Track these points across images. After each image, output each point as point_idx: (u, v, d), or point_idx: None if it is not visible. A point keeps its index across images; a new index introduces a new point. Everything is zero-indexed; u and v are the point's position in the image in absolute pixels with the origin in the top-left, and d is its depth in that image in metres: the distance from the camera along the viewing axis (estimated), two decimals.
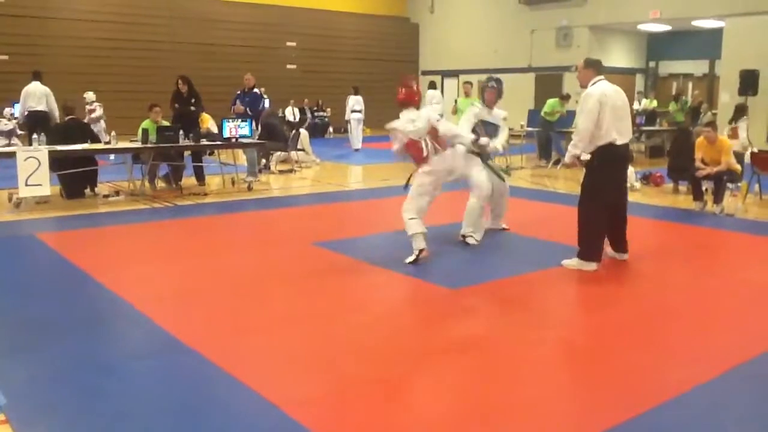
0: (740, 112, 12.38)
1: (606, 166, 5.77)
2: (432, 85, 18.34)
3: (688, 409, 3.34)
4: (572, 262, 5.91)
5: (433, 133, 6.05)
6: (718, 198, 8.66)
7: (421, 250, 6.00)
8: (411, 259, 5.99)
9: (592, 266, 5.84)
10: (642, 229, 7.09)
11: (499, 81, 7.25)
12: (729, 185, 8.95)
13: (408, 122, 6.02)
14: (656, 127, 15.89)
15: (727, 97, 16.88)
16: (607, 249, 6.16)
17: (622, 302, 5.19)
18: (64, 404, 3.35)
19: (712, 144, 8.65)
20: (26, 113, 12.26)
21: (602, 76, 5.82)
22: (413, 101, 6.22)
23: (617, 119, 5.68)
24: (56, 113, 12.18)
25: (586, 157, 5.84)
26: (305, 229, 7.74)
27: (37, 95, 12.23)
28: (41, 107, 12.09)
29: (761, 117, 15.95)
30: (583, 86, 5.93)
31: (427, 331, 4.44)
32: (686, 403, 3.39)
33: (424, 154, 6.00)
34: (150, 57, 19.67)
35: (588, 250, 5.85)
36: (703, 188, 8.94)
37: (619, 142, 5.72)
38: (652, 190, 10.69)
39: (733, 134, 11.29)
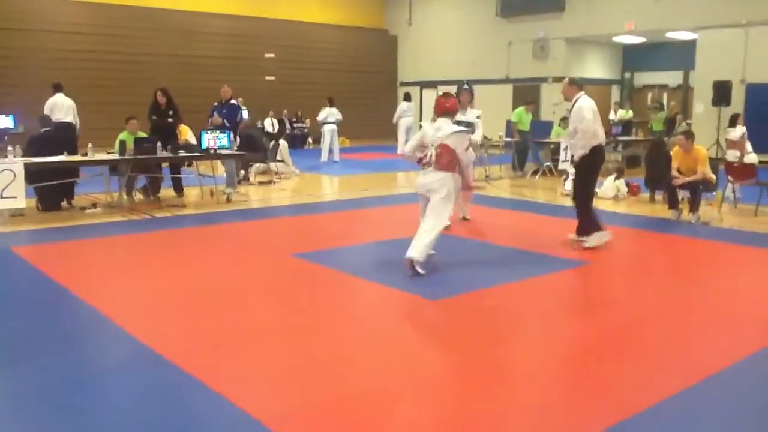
0: (733, 122, 11.83)
1: (596, 162, 7.14)
2: (407, 97, 18.60)
3: (666, 417, 3.36)
4: (591, 242, 7.03)
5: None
6: (693, 207, 8.77)
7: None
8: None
9: (606, 235, 7.09)
10: (619, 238, 7.17)
11: (470, 85, 8.58)
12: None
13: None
14: (632, 138, 16.09)
15: (701, 108, 17.15)
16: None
17: (599, 311, 5.23)
18: (41, 421, 3.30)
19: (688, 153, 8.75)
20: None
21: (584, 92, 7.14)
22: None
23: (599, 125, 7.09)
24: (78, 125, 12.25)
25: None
26: (285, 241, 7.72)
27: (65, 107, 12.29)
28: (69, 118, 12.08)
29: None
30: (568, 99, 7.23)
31: (409, 343, 4.45)
32: (664, 411, 3.41)
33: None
34: (128, 69, 19.53)
35: (593, 226, 7.11)
36: (679, 197, 9.06)
37: (603, 143, 7.18)
38: (629, 200, 10.80)
39: (732, 145, 11.03)
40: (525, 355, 4.28)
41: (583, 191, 7.28)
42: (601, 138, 7.11)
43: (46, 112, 12.04)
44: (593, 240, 7.06)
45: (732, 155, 10.49)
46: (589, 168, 7.16)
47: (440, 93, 7.00)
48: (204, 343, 4.35)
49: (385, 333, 4.66)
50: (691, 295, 5.64)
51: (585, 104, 7.00)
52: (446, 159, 6.07)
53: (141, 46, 19.99)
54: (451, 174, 6.11)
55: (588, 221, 7.17)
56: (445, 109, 6.36)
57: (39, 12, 18.64)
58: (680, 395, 3.59)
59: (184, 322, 4.81)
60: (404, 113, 18.13)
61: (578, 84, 7.27)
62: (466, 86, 8.48)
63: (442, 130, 6.15)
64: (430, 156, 6.11)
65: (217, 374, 3.81)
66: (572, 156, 7.42)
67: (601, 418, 3.31)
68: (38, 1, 18.75)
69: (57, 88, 12.61)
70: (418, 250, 5.90)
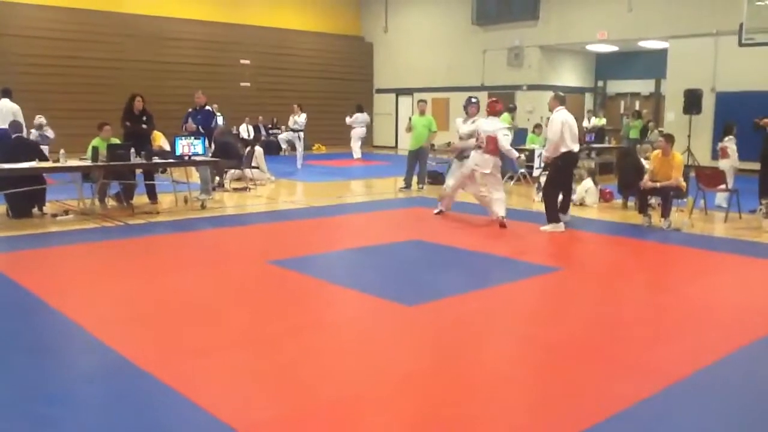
0: (728, 131, 11.31)
1: (565, 165, 8.76)
2: (359, 109, 19.13)
3: (632, 424, 3.39)
4: (547, 227, 8.58)
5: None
6: (665, 213, 8.89)
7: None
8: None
9: (561, 227, 8.55)
10: (591, 243, 7.24)
11: (477, 99, 10.23)
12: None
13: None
14: (606, 145, 16.27)
15: (673, 116, 17.42)
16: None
17: (570, 317, 5.27)
18: None
19: (667, 156, 8.83)
20: None
21: (563, 107, 8.74)
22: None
23: (572, 136, 8.58)
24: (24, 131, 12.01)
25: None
26: (260, 248, 7.68)
27: (3, 113, 12.00)
28: (6, 126, 11.83)
29: (704, 135, 16.51)
30: (551, 110, 8.82)
31: (384, 348, 4.45)
32: (630, 418, 3.44)
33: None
34: (102, 75, 19.32)
35: (552, 217, 8.66)
36: (650, 203, 9.19)
37: (575, 150, 8.71)
38: (602, 206, 10.93)
39: (723, 154, 11.15)
40: (497, 361, 4.31)
41: (547, 189, 8.96)
42: (569, 146, 8.54)
43: None
44: (548, 227, 8.59)
45: (726, 164, 10.60)
46: (558, 170, 8.78)
47: (491, 98, 9.80)
48: (179, 352, 4.31)
49: (360, 339, 4.66)
50: (662, 300, 5.71)
51: (558, 117, 8.60)
52: (492, 146, 8.86)
53: (113, 52, 19.78)
54: (492, 156, 8.94)
55: (549, 215, 8.70)
56: (494, 110, 9.21)
57: (9, 16, 18.36)
58: (651, 399, 3.63)
59: (158, 330, 4.76)
60: (356, 123, 18.69)
61: (561, 99, 8.86)
62: (473, 100, 10.09)
63: (493, 125, 8.97)
64: (482, 142, 8.93)
65: (192, 382, 3.78)
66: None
67: (573, 423, 3.34)
68: (8, 5, 18.49)
69: (4, 93, 12.45)
70: (503, 210, 8.78)
